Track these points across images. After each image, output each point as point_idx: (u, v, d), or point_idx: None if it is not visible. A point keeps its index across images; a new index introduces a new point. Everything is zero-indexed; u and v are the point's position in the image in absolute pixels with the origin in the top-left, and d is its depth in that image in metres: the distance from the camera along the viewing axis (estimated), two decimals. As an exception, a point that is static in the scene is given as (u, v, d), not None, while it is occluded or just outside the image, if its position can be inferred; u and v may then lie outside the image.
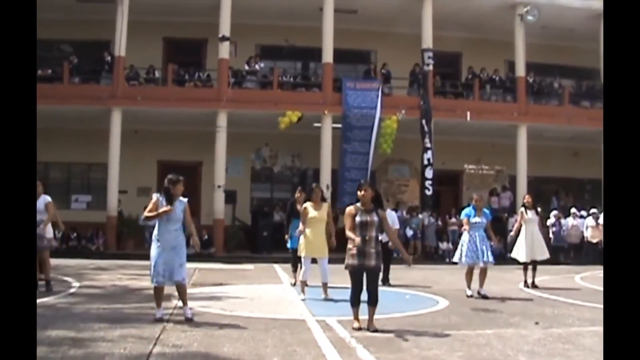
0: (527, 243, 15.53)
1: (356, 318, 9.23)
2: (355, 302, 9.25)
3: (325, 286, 12.60)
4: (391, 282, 15.38)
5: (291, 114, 25.35)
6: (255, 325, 9.33)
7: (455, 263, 14.25)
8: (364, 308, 9.22)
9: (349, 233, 9.20)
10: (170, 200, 9.64)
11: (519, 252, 15.66)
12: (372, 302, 9.16)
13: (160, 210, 9.59)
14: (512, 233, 16.22)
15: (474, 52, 28.98)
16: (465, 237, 13.75)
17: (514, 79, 28.04)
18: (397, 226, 15.98)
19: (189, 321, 9.43)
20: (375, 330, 8.98)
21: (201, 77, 27.20)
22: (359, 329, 9.00)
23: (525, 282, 15.60)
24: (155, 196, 9.84)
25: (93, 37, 28.02)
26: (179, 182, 9.81)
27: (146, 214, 9.76)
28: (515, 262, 16.32)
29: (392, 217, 15.84)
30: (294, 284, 13.88)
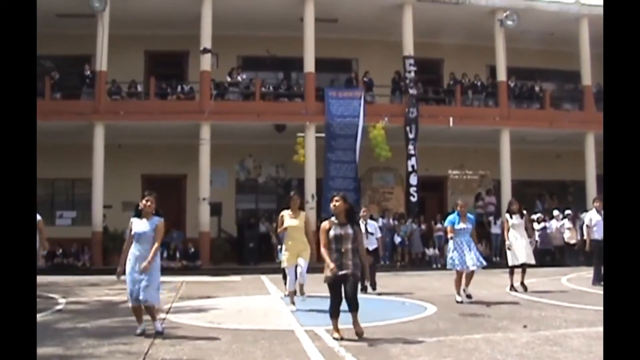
0: (517, 247, 15.59)
1: (335, 329, 9.20)
2: (334, 313, 9.21)
3: (301, 287, 12.79)
4: (378, 289, 15.40)
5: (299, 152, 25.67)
6: (243, 337, 9.33)
7: (448, 269, 14.26)
8: (344, 318, 9.20)
9: (323, 251, 9.24)
10: (140, 217, 9.63)
11: (512, 255, 15.66)
12: (353, 308, 9.15)
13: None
14: (507, 242, 16.07)
15: (456, 58, 29.06)
16: (451, 245, 13.78)
17: (496, 83, 28.15)
18: (378, 234, 16.04)
19: (159, 334, 9.35)
20: (362, 334, 9.01)
21: (183, 90, 27.14)
22: (341, 339, 8.97)
23: (512, 285, 15.62)
24: (132, 220, 9.79)
25: (74, 52, 28.00)
26: (146, 198, 9.77)
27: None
28: (501, 265, 16.37)
29: (373, 227, 15.91)
30: (287, 295, 13.89)
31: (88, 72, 26.77)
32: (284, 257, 12.93)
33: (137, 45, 28.35)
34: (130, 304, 9.66)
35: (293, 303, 12.70)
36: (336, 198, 9.38)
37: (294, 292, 12.90)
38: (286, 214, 12.89)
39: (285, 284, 13.96)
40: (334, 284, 9.15)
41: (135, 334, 9.45)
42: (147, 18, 26.65)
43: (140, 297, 9.38)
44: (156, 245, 9.58)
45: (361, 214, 15.87)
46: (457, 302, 13.41)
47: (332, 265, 9.05)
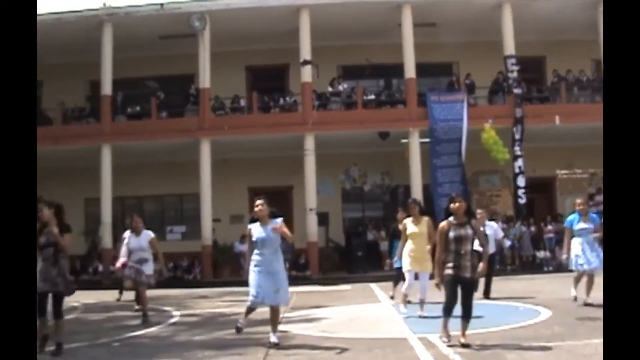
0: None
1: (445, 327, 9.11)
2: (447, 311, 9.10)
3: (422, 302, 12.45)
4: (491, 294, 15.12)
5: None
6: (357, 346, 9.29)
7: (570, 270, 13.84)
8: (454, 323, 9.08)
9: (437, 256, 9.15)
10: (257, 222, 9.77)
11: None
12: (466, 316, 8.98)
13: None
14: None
15: (558, 54, 28.33)
16: (572, 245, 13.38)
17: (602, 78, 27.33)
18: (500, 235, 15.81)
19: (274, 345, 9.36)
20: (467, 345, 8.80)
21: (286, 102, 27.43)
22: (449, 341, 8.88)
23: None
24: (249, 228, 9.90)
25: (177, 71, 28.76)
26: (257, 203, 9.90)
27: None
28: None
29: (493, 228, 15.64)
30: (392, 297, 13.77)
31: (192, 90, 27.39)
32: (406, 260, 12.74)
33: (238, 61, 28.83)
34: (249, 304, 9.75)
35: (405, 305, 12.62)
36: (458, 199, 9.21)
37: (406, 297, 12.82)
38: (408, 221, 12.79)
39: (395, 287, 13.88)
40: (451, 285, 9.02)
41: (236, 326, 9.67)
42: (246, 34, 27.04)
43: (272, 302, 9.51)
44: (289, 236, 9.86)
45: (478, 216, 15.63)
46: (573, 298, 13.08)
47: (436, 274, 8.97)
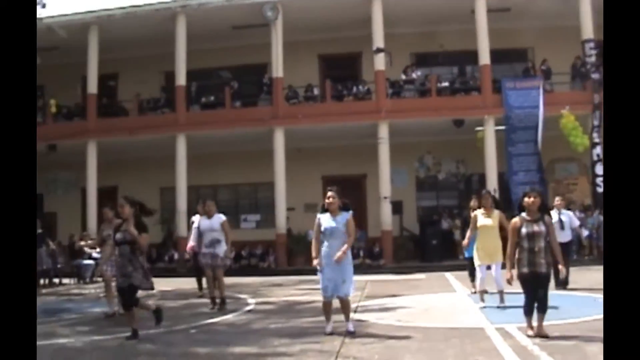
0: None
1: (530, 326, 8.90)
2: (529, 311, 8.92)
3: (501, 294, 12.21)
4: (569, 285, 14.81)
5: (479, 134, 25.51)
6: (433, 336, 9.21)
7: None
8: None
9: (509, 250, 8.96)
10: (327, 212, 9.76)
11: None
12: (541, 309, 8.79)
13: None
14: None
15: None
16: None
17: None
18: (576, 223, 15.51)
19: (350, 334, 9.39)
20: (546, 337, 8.62)
21: (359, 91, 27.34)
22: (535, 336, 8.67)
23: None
24: (317, 217, 9.89)
25: (250, 61, 28.98)
26: (327, 194, 9.86)
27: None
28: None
29: (568, 216, 15.34)
30: (474, 293, 13.60)
31: (266, 80, 27.54)
32: (477, 255, 12.64)
33: (311, 49, 28.87)
34: (322, 299, 9.76)
35: (482, 301, 12.46)
36: (533, 194, 8.94)
37: (484, 292, 12.65)
38: (479, 213, 12.62)
39: (473, 281, 13.71)
40: (527, 283, 8.83)
41: (325, 333, 9.52)
42: (319, 23, 27.04)
43: (339, 293, 9.49)
44: (350, 239, 9.72)
45: (555, 203, 15.34)
46: None
47: (508, 268, 8.83)
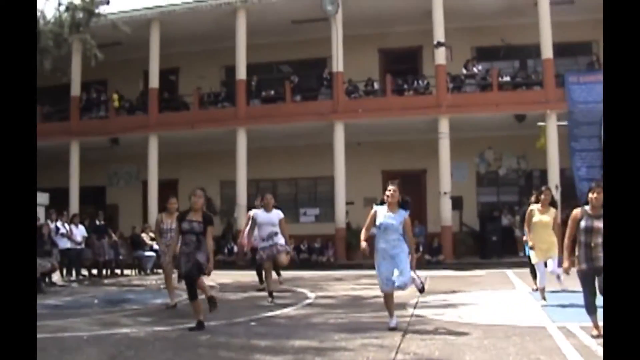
0: None
1: (595, 326, 8.59)
2: (590, 309, 8.66)
3: (558, 277, 12.34)
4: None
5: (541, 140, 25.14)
6: (494, 333, 9.09)
7: None
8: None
9: (566, 243, 8.78)
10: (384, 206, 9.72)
11: None
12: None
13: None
14: None
15: None
16: None
17: None
18: None
19: (391, 330, 9.38)
20: None
21: (419, 85, 27.20)
22: (598, 336, 8.41)
23: None
24: (373, 209, 9.85)
25: (310, 55, 29.10)
26: (389, 188, 9.80)
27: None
28: None
29: None
30: (535, 290, 13.44)
31: (326, 74, 27.58)
32: (533, 252, 12.54)
33: (371, 44, 28.87)
34: (383, 293, 9.74)
35: (544, 299, 12.30)
36: (598, 189, 8.72)
37: (544, 289, 12.49)
38: (535, 208, 12.49)
39: (534, 278, 13.53)
40: (585, 279, 8.64)
41: (388, 328, 9.48)
42: (379, 17, 27.01)
43: (397, 284, 9.43)
44: (411, 242, 9.80)
45: None
46: None
47: (566, 257, 8.67)
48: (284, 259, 13.41)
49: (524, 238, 13.19)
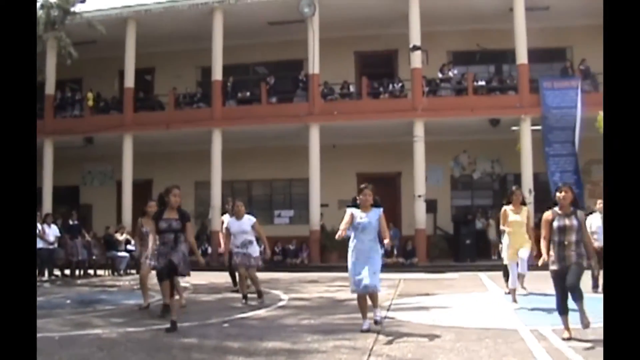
0: None
1: (566, 327, 8.71)
2: (562, 309, 8.78)
3: (522, 278, 12.64)
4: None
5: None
6: (467, 336, 9.14)
7: None
8: (574, 317, 8.77)
9: (543, 244, 8.86)
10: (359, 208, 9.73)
11: None
12: (575, 297, 8.58)
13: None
14: None
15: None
16: None
17: None
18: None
19: (376, 324, 9.52)
20: (587, 325, 8.58)
21: (395, 88, 27.27)
22: (569, 339, 8.53)
23: None
24: (348, 210, 9.87)
25: (286, 57, 29.13)
26: (363, 192, 9.84)
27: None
28: None
29: (598, 222, 15.13)
30: (508, 293, 13.55)
31: (302, 76, 27.59)
32: (506, 253, 12.70)
33: (347, 46, 28.91)
34: (355, 294, 9.76)
35: (515, 301, 12.40)
36: (564, 188, 8.93)
37: (515, 290, 12.61)
38: (508, 209, 12.65)
39: (507, 281, 13.64)
40: (557, 280, 8.76)
41: (361, 330, 9.50)
42: (356, 20, 27.03)
43: (368, 283, 9.43)
44: (387, 233, 9.93)
45: (597, 206, 15.15)
46: None
47: (546, 257, 8.74)
48: (252, 273, 13.43)
49: (505, 246, 13.21)
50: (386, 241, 9.81)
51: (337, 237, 9.66)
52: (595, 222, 14.35)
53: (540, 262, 8.92)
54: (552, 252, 8.79)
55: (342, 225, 9.69)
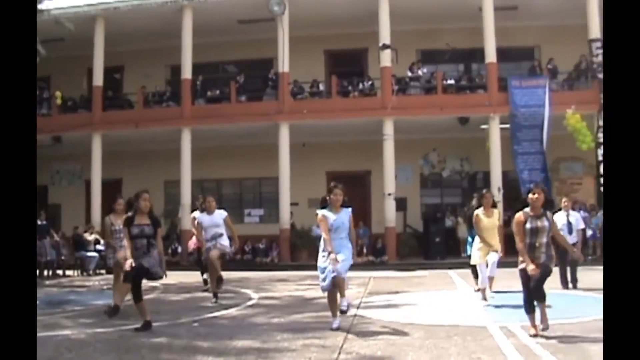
0: None
1: (532, 325, 8.85)
2: (528, 309, 8.90)
3: (491, 281, 12.69)
4: (577, 284, 14.87)
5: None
6: (436, 333, 9.19)
7: None
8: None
9: (520, 246, 8.89)
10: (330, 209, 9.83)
11: None
12: (536, 298, 8.76)
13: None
14: None
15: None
16: None
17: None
18: (581, 226, 15.44)
19: (342, 313, 9.56)
20: (545, 328, 8.70)
21: (365, 87, 27.33)
22: (535, 335, 8.64)
23: None
24: (320, 213, 9.90)
25: (256, 55, 29.04)
26: (334, 192, 9.90)
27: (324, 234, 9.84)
28: None
29: (576, 218, 15.29)
30: (477, 291, 13.64)
31: (271, 74, 27.55)
32: (476, 254, 12.78)
33: (317, 45, 28.90)
34: (325, 292, 9.79)
35: (485, 299, 12.49)
36: (537, 190, 8.96)
37: (485, 289, 12.70)
38: (480, 213, 12.73)
39: (476, 279, 13.72)
40: (525, 277, 8.85)
41: (330, 328, 9.52)
42: (325, 18, 27.02)
43: (336, 270, 9.41)
44: (354, 233, 10.08)
45: (563, 204, 15.32)
46: None
47: (530, 266, 8.75)
48: (214, 253, 13.32)
49: (476, 247, 13.26)
50: (350, 246, 9.91)
51: (328, 248, 9.63)
52: (560, 220, 14.48)
53: (531, 272, 8.83)
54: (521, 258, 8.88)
55: (324, 234, 9.74)
